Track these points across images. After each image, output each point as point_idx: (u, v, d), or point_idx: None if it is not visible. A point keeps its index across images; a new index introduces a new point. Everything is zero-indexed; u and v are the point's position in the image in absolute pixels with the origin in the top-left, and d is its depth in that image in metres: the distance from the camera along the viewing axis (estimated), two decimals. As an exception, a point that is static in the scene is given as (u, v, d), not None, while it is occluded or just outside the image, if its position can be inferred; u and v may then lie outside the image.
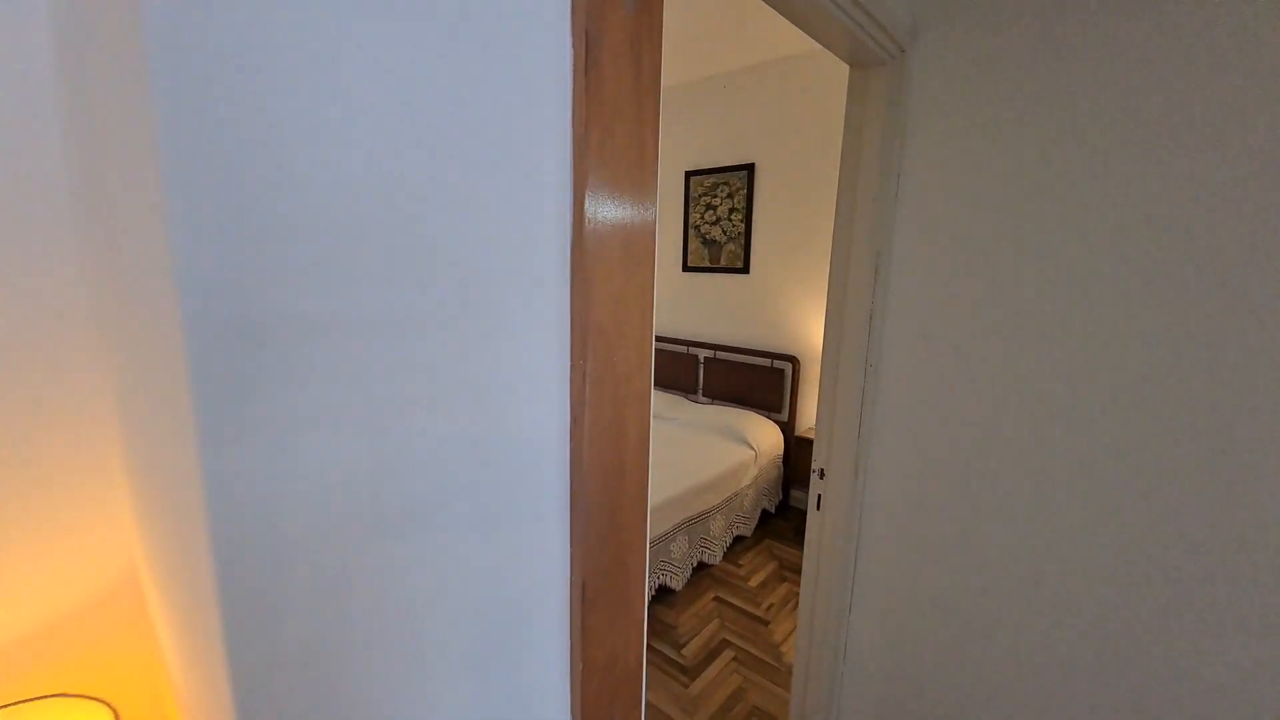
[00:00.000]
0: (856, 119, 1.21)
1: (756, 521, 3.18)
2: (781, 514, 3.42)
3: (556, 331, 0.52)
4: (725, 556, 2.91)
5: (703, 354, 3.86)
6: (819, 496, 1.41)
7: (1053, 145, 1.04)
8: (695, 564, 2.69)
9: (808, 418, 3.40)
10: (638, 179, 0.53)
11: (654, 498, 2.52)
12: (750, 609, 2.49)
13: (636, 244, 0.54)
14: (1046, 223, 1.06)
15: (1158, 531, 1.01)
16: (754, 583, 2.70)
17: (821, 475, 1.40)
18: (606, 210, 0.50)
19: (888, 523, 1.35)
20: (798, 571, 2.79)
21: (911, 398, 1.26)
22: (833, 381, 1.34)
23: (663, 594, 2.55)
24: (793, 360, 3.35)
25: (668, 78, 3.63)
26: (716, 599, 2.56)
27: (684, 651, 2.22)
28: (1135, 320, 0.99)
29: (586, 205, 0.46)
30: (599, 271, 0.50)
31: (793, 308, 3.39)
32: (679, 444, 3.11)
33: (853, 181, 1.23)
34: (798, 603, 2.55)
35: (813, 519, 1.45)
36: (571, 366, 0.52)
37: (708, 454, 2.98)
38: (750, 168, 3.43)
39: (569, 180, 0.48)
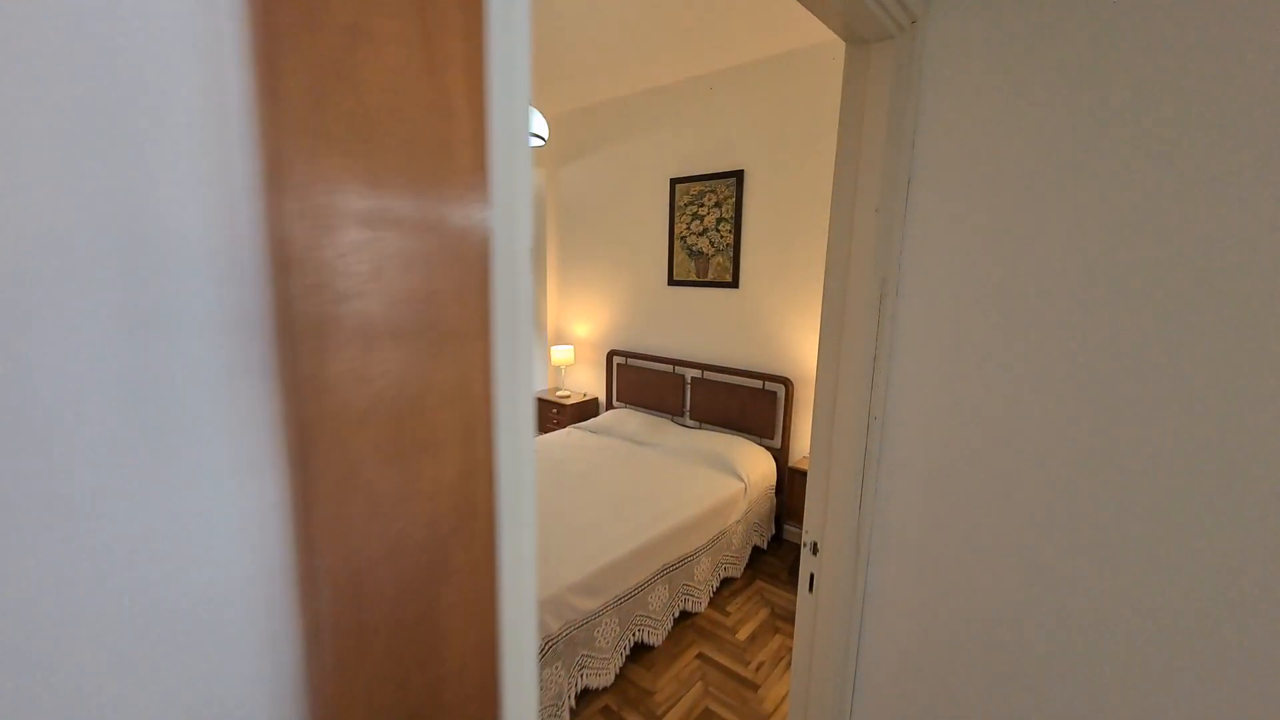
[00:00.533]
0: (854, 108, 0.96)
1: (747, 560, 2.89)
2: (774, 550, 3.14)
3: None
4: (712, 602, 2.63)
5: (690, 374, 3.59)
6: (811, 576, 1.14)
7: (1108, 128, 0.79)
8: (678, 613, 2.41)
9: (802, 444, 3.13)
10: (431, 159, 0.27)
11: (630, 542, 2.24)
12: (738, 669, 2.21)
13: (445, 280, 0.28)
14: (1118, 237, 0.80)
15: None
16: (743, 635, 2.41)
17: (815, 550, 1.13)
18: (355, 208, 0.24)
19: (898, 618, 1.08)
20: (790, 620, 2.51)
21: (929, 459, 0.99)
22: (826, 435, 1.07)
23: (639, 651, 2.27)
24: (785, 382, 3.08)
25: (649, 79, 3.40)
26: (700, 656, 2.27)
27: (661, 725, 1.94)
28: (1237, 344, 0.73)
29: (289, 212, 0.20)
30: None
31: (786, 326, 3.13)
32: (660, 475, 2.83)
33: (849, 189, 0.97)
34: (790, 661, 2.26)
35: (804, 602, 1.18)
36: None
37: (692, 487, 2.70)
38: (739, 174, 3.19)
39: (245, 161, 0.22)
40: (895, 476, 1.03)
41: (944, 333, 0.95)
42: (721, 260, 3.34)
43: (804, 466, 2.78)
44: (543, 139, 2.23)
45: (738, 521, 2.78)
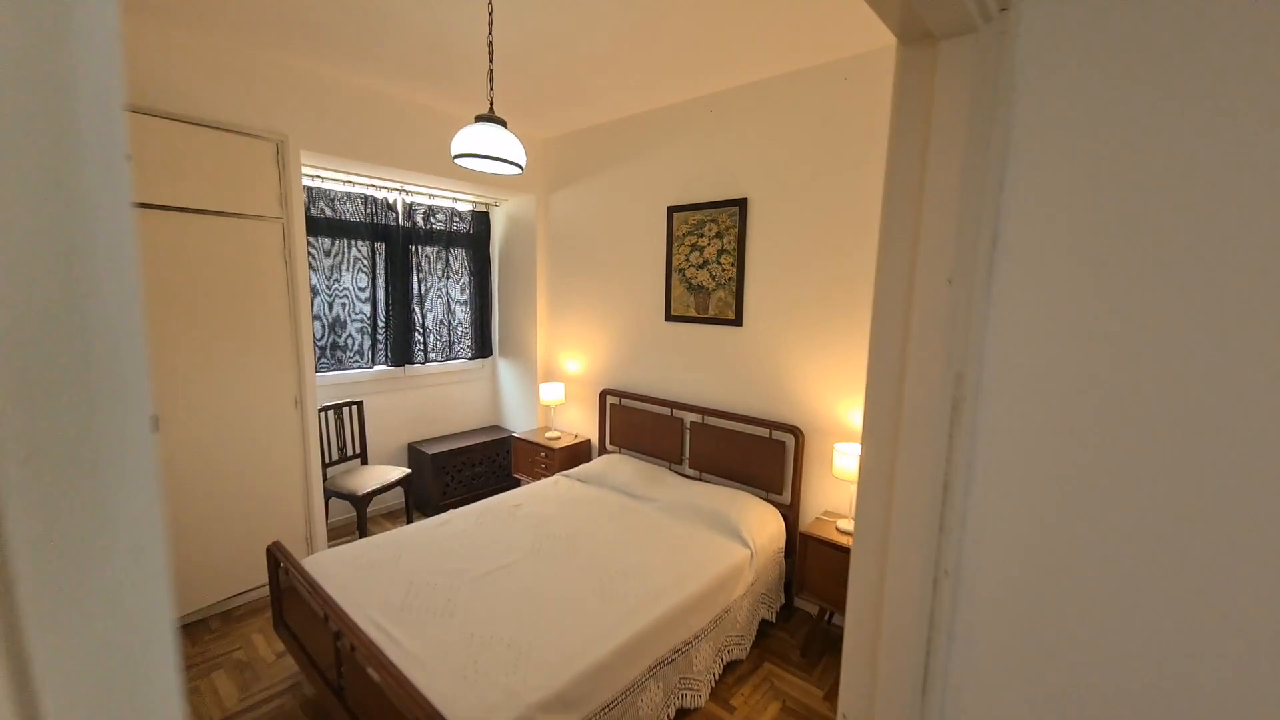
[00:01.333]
0: (911, 132, 0.67)
1: (754, 638, 2.54)
2: (783, 622, 2.79)
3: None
4: (714, 693, 2.28)
5: (689, 417, 3.28)
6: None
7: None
8: (674, 713, 2.06)
9: (815, 501, 2.80)
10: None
11: (619, 634, 1.89)
12: (745, 789, 1.85)
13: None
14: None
15: None
16: (750, 738, 2.06)
17: (856, 738, 0.81)
18: None
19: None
20: (801, 715, 2.15)
21: (1029, 638, 0.68)
22: (872, 587, 0.76)
23: (628, 764, 1.91)
24: (795, 432, 2.76)
25: (645, 101, 3.16)
26: (700, 770, 1.92)
27: None
28: None
29: None
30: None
31: (795, 369, 2.82)
32: (656, 540, 2.50)
33: (905, 249, 0.68)
34: (808, 779, 1.91)
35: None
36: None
37: (692, 555, 2.37)
38: (742, 203, 2.92)
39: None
40: (977, 651, 0.72)
41: (1048, 453, 0.65)
42: (723, 295, 3.06)
43: (819, 533, 2.45)
44: (520, 167, 1.96)
45: (743, 595, 2.44)
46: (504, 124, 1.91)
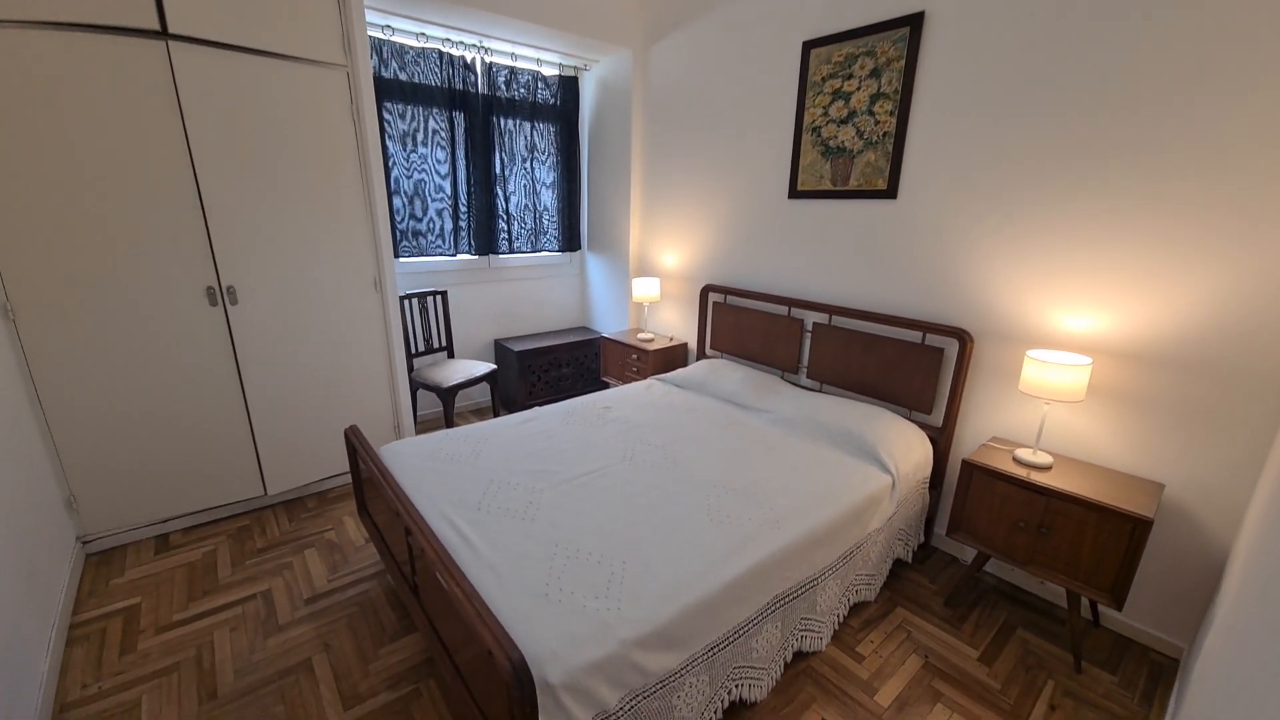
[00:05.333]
0: None
1: (885, 578, 2.11)
2: (920, 563, 2.32)
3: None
4: (836, 636, 1.90)
5: (812, 317, 2.71)
6: None
7: None
8: (790, 656, 1.71)
9: (980, 424, 2.20)
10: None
11: (732, 565, 1.40)
12: (883, 761, 1.48)
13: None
14: None
15: None
16: (884, 697, 1.67)
17: None
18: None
19: None
20: (952, 679, 1.72)
21: None
22: None
23: (734, 711, 1.61)
24: (961, 335, 2.13)
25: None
26: (823, 727, 1.57)
27: None
28: None
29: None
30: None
31: (969, 256, 2.13)
32: (772, 458, 2.07)
33: None
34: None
35: None
36: None
37: (819, 479, 1.92)
38: (915, 22, 2.13)
39: None
40: None
41: None
42: (873, 159, 2.35)
43: (990, 462, 1.89)
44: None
45: (880, 530, 1.98)
46: None
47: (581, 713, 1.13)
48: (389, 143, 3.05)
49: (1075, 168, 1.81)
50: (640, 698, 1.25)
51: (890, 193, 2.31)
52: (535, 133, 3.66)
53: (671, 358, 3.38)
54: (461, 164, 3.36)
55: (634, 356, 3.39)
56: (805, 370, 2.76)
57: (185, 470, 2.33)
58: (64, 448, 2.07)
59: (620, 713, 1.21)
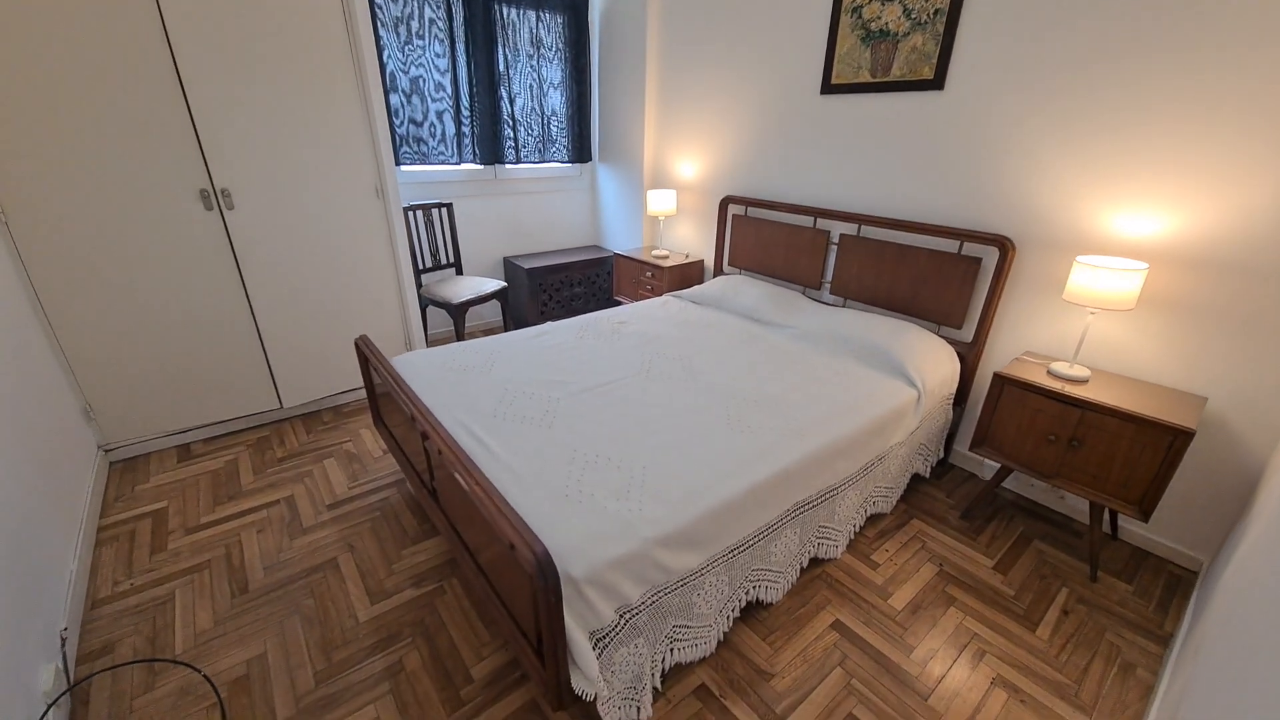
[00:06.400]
0: None
1: (902, 491, 2.10)
2: (938, 478, 2.31)
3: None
4: (852, 544, 1.92)
5: (839, 228, 2.56)
6: None
7: None
8: (806, 562, 1.72)
9: (1013, 339, 2.10)
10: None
11: (753, 471, 1.37)
12: (896, 658, 1.52)
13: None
14: None
15: None
16: (898, 601, 1.70)
17: None
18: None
19: None
20: (966, 585, 1.74)
21: None
22: None
23: (750, 608, 1.64)
24: (1002, 244, 1.98)
25: None
26: (837, 626, 1.61)
27: (782, 730, 1.33)
28: None
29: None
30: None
31: (1017, 153, 1.94)
32: (793, 372, 2.00)
33: None
34: (975, 647, 1.53)
35: None
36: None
37: (843, 391, 1.86)
38: None
39: None
40: None
41: None
42: (920, 42, 2.10)
43: (1024, 375, 1.81)
44: None
45: (901, 443, 1.94)
46: None
47: (604, 605, 1.14)
48: (382, 32, 2.79)
49: (1152, 41, 1.59)
50: (662, 593, 1.26)
51: (937, 82, 2.08)
52: (541, 25, 3.33)
53: (687, 275, 3.26)
54: (462, 60, 3.09)
55: (648, 274, 3.27)
56: (829, 286, 2.64)
57: (200, 380, 2.31)
58: (73, 355, 2.04)
59: (643, 607, 1.22)
